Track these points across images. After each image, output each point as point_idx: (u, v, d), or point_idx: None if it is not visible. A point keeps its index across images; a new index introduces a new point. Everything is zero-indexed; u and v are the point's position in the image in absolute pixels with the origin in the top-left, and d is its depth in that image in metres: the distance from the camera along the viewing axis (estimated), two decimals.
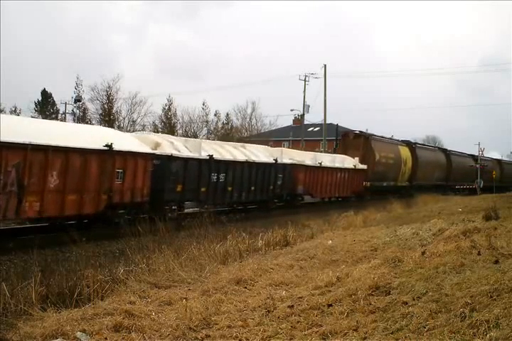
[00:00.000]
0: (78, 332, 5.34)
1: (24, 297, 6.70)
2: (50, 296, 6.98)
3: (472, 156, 56.40)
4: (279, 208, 25.09)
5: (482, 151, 59.23)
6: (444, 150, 50.43)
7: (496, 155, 74.32)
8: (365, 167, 33.21)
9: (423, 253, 8.58)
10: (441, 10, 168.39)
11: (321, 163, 27.57)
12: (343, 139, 37.44)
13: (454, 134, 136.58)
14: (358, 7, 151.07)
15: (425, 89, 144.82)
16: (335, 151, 37.16)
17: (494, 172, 57.59)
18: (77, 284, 7.31)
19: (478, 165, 53.00)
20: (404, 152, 40.71)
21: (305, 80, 50.57)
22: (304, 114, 51.34)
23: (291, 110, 54.05)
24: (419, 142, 59.79)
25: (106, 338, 5.25)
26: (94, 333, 5.37)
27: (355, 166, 32.01)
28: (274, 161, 23.38)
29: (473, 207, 20.97)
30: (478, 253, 8.17)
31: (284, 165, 24.38)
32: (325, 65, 49.65)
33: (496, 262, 7.43)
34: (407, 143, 42.51)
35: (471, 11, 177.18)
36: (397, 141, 42.27)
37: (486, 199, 25.55)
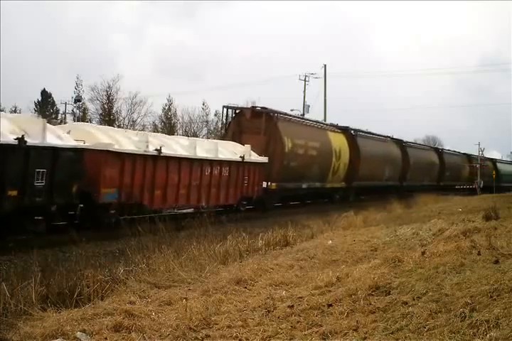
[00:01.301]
0: (78, 332, 5.34)
1: (24, 297, 6.70)
2: (50, 296, 6.98)
3: (436, 150, 49.63)
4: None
5: (482, 151, 58.93)
6: (400, 142, 40.26)
7: (496, 155, 73.39)
8: (264, 160, 21.96)
9: (423, 253, 8.58)
10: (441, 10, 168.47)
11: (160, 150, 16.03)
12: (237, 119, 24.75)
13: (454, 134, 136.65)
14: (358, 7, 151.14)
15: (425, 89, 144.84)
16: (225, 137, 24.68)
17: (494, 173, 57.60)
18: (77, 284, 7.31)
19: (477, 165, 53.06)
20: (338, 141, 30.22)
21: (305, 80, 50.58)
22: (304, 114, 51.25)
23: (291, 110, 53.85)
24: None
25: (106, 338, 5.26)
26: (94, 333, 5.37)
27: (243, 158, 20.06)
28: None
29: (473, 207, 20.96)
30: (478, 253, 8.17)
31: (56, 150, 12.71)
32: (325, 65, 49.62)
33: (496, 262, 7.43)
34: (344, 129, 31.84)
35: (471, 10, 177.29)
36: (327, 125, 31.63)
37: (486, 200, 25.55)
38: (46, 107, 63.22)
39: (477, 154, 59.05)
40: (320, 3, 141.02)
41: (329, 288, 6.86)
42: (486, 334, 4.55)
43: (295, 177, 25.03)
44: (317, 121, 31.15)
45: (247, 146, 21.30)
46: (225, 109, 25.16)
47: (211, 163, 18.75)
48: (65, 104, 56.99)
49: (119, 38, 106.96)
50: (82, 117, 55.95)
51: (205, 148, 18.89)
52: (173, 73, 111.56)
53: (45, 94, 63.59)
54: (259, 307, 6.13)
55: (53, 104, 63.99)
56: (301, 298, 6.41)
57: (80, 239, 11.32)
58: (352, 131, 32.61)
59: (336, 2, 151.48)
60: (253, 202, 22.12)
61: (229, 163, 19.76)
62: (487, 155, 64.31)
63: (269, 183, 22.65)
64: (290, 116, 27.37)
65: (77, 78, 58.80)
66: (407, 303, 5.71)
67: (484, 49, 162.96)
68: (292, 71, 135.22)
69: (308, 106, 50.47)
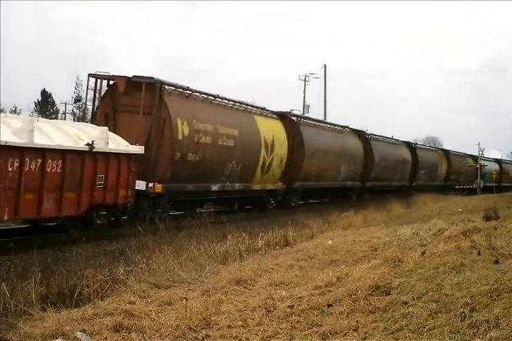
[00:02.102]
0: (78, 332, 5.34)
1: (24, 297, 6.70)
2: (50, 296, 6.98)
3: (409, 145, 41.44)
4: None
5: (482, 151, 58.02)
6: (362, 134, 33.19)
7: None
8: (137, 150, 15.00)
9: (423, 253, 8.58)
10: (441, 10, 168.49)
11: None
12: (110, 94, 17.30)
13: (454, 134, 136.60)
14: (358, 7, 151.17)
15: (425, 89, 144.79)
16: (94, 120, 17.39)
17: (494, 173, 57.31)
18: (77, 284, 7.31)
19: (477, 165, 52.02)
20: (271, 129, 22.59)
21: (305, 80, 50.48)
22: (303, 114, 51.27)
23: (292, 110, 53.89)
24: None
25: (106, 338, 5.26)
26: (94, 333, 5.37)
27: (91, 145, 13.10)
28: None
29: (473, 207, 20.95)
30: (478, 253, 8.17)
31: None
32: (325, 65, 49.49)
33: (496, 262, 7.44)
34: (281, 115, 24.27)
35: (471, 10, 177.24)
36: (255, 107, 22.70)
37: (486, 200, 25.54)
38: (46, 107, 63.15)
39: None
40: (320, 3, 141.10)
41: (329, 288, 6.85)
42: (486, 334, 4.55)
43: (198, 175, 17.85)
44: (237, 101, 21.51)
45: (103, 129, 14.27)
46: (92, 80, 17.34)
47: (22, 152, 11.29)
48: (65, 104, 56.96)
49: (118, 38, 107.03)
50: (82, 117, 55.93)
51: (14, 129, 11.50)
52: (172, 72, 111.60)
53: (45, 94, 63.52)
54: (259, 307, 6.13)
55: (53, 104, 63.91)
56: (301, 298, 6.41)
57: (80, 238, 11.34)
58: (294, 118, 25.08)
59: (336, 2, 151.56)
60: (120, 212, 14.84)
61: (62, 154, 12.39)
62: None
63: (151, 184, 15.83)
64: (189, 90, 18.30)
65: (77, 78, 58.73)
66: (407, 303, 5.71)
67: (485, 49, 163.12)
68: (292, 71, 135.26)
69: (309, 106, 50.43)
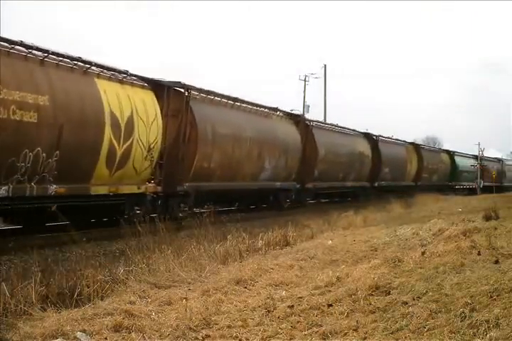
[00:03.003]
0: (78, 332, 5.34)
1: (24, 297, 6.69)
2: (50, 296, 6.97)
3: (368, 137, 33.62)
4: None
5: (482, 151, 57.06)
6: (300, 120, 25.95)
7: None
8: None
9: (423, 253, 8.58)
10: (441, 9, 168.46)
11: None
12: None
13: (454, 134, 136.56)
14: (358, 7, 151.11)
15: (425, 89, 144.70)
16: None
17: (494, 172, 56.54)
18: (77, 284, 7.30)
19: (478, 165, 51.00)
20: (127, 100, 14.20)
21: (305, 80, 50.39)
22: (304, 114, 51.30)
23: (291, 110, 53.84)
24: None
25: (106, 338, 5.25)
26: (94, 333, 5.37)
27: None
28: None
29: (473, 207, 20.96)
30: (478, 253, 8.17)
31: None
32: (325, 65, 49.38)
33: (496, 262, 7.44)
34: (155, 83, 15.88)
35: (471, 10, 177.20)
36: (94, 65, 13.60)
37: (486, 199, 25.55)
38: None
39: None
40: (320, 3, 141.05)
41: (329, 288, 6.85)
42: (486, 334, 4.56)
43: None
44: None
45: None
46: None
47: None
48: None
49: (117, 37, 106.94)
50: None
51: None
52: (172, 72, 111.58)
53: None
54: (259, 307, 6.13)
55: None
56: (301, 298, 6.41)
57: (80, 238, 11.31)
58: (186, 91, 17.19)
59: (336, 2, 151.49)
60: None
61: None
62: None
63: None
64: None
65: None
66: (407, 303, 5.72)
67: (485, 48, 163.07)
68: (292, 71, 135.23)
69: (308, 106, 50.36)
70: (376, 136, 34.35)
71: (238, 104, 20.68)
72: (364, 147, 32.37)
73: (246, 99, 21.17)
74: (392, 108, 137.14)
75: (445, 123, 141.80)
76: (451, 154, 48.74)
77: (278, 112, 24.28)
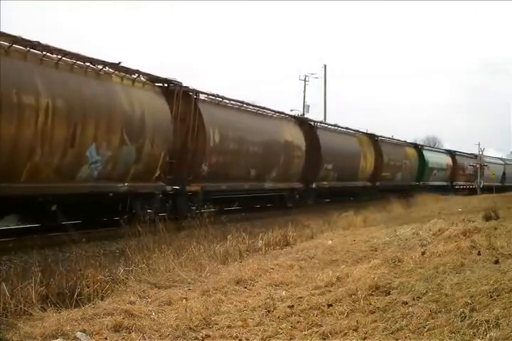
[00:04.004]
0: (78, 332, 5.34)
1: (24, 297, 6.69)
2: (50, 296, 6.97)
3: (304, 124, 25.73)
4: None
5: (482, 151, 55.61)
6: (187, 91, 17.31)
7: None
8: None
9: (423, 253, 8.59)
10: (441, 9, 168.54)
11: None
12: None
13: (454, 134, 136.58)
14: (358, 7, 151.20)
15: (425, 89, 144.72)
16: None
17: (494, 172, 55.50)
18: (77, 284, 7.29)
19: (478, 165, 48.25)
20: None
21: (305, 80, 50.41)
22: (303, 114, 51.32)
23: (291, 110, 53.63)
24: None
25: (106, 338, 5.25)
26: (94, 333, 5.37)
27: None
28: None
29: (473, 207, 20.95)
30: (478, 253, 8.17)
31: None
32: (325, 65, 49.31)
33: (496, 262, 7.44)
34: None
35: (471, 10, 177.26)
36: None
37: (486, 199, 25.54)
38: None
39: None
40: (321, 3, 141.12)
41: (329, 288, 6.85)
42: (486, 334, 4.56)
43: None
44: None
45: None
46: None
47: None
48: None
49: (115, 36, 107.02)
50: None
51: None
52: (171, 71, 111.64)
53: None
54: (259, 307, 6.13)
55: None
56: (301, 298, 6.41)
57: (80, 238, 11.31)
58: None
59: (336, 2, 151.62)
60: None
61: None
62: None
63: None
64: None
65: None
66: (407, 303, 5.72)
67: (485, 49, 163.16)
68: (293, 71, 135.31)
69: (308, 106, 50.36)
70: (314, 121, 26.80)
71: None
72: (294, 135, 23.72)
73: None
74: (392, 108, 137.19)
75: (445, 123, 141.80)
76: (418, 148, 40.43)
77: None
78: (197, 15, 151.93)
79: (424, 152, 40.26)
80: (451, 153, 46.70)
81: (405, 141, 38.98)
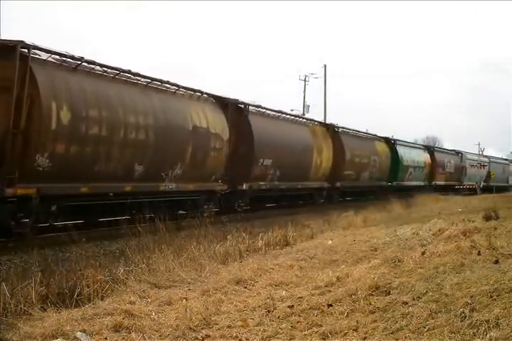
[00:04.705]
0: (78, 332, 5.34)
1: (24, 297, 6.69)
2: (50, 296, 6.97)
3: (224, 104, 19.16)
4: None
5: (482, 151, 54.56)
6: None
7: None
8: None
9: (423, 253, 8.58)
10: (441, 9, 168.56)
11: None
12: None
13: (454, 134, 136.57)
14: (358, 7, 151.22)
15: (425, 89, 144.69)
16: None
17: (493, 172, 54.83)
18: (77, 284, 7.30)
19: (477, 165, 47.94)
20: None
21: (305, 80, 50.38)
22: (304, 114, 51.33)
23: (291, 110, 53.49)
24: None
25: (106, 338, 5.26)
26: (94, 333, 5.37)
27: None
28: None
29: (473, 207, 20.95)
30: (478, 253, 8.17)
31: None
32: (325, 65, 49.18)
33: (496, 262, 7.44)
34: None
35: (471, 10, 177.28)
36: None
37: (486, 199, 25.54)
38: None
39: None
40: (321, 2, 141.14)
41: (329, 288, 6.86)
42: (486, 334, 4.56)
43: None
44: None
45: None
46: None
47: None
48: None
49: (113, 35, 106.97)
50: None
51: None
52: (171, 71, 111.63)
53: None
54: (259, 307, 6.13)
55: None
56: (301, 298, 6.41)
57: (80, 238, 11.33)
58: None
59: (336, 2, 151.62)
60: None
61: None
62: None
63: None
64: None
65: None
66: (407, 303, 5.72)
67: (485, 49, 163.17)
68: (293, 71, 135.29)
69: (308, 106, 50.33)
70: (245, 104, 20.32)
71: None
72: (212, 120, 17.69)
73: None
74: (392, 108, 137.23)
75: (445, 123, 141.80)
76: (391, 143, 34.60)
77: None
78: (197, 15, 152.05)
79: (398, 147, 34.93)
80: (430, 149, 42.26)
81: (375, 135, 33.24)
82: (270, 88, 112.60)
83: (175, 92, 16.57)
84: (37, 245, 11.02)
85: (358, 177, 29.71)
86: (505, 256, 7.91)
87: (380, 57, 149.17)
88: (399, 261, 8.20)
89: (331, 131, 27.46)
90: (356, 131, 30.94)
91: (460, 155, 47.43)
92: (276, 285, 7.27)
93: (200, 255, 9.69)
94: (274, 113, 22.70)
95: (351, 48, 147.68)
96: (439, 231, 11.07)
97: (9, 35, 11.29)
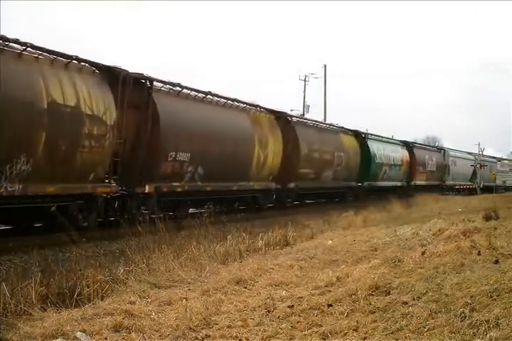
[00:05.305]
0: (78, 332, 5.34)
1: (24, 297, 6.69)
2: (50, 296, 6.97)
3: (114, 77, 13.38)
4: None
5: (482, 151, 54.20)
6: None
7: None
8: None
9: (423, 253, 8.58)
10: (441, 9, 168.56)
11: None
12: None
13: (454, 134, 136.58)
14: (358, 7, 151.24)
15: (425, 89, 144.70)
16: None
17: (493, 172, 54.46)
18: (77, 284, 7.30)
19: (477, 165, 46.13)
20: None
21: (305, 80, 50.39)
22: (304, 114, 51.32)
23: (291, 110, 53.20)
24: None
25: (106, 338, 5.26)
26: (94, 333, 5.37)
27: None
28: None
29: (473, 207, 20.95)
30: (478, 253, 8.17)
31: None
32: (325, 65, 49.19)
33: (496, 262, 7.44)
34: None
35: (471, 10, 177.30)
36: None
37: (486, 199, 25.54)
38: None
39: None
40: (321, 2, 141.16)
41: (329, 288, 6.85)
42: (486, 334, 4.56)
43: None
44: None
45: None
46: None
47: None
48: None
49: (113, 35, 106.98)
50: None
51: None
52: (171, 71, 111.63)
53: None
54: (259, 307, 6.13)
55: None
56: (301, 298, 6.41)
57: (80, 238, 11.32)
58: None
59: (336, 2, 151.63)
60: None
61: None
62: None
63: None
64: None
65: None
66: (407, 303, 5.71)
67: (485, 49, 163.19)
68: (293, 71, 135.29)
69: (308, 106, 50.33)
70: (150, 79, 15.08)
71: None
72: (87, 97, 12.54)
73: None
74: (392, 108, 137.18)
75: (445, 123, 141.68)
76: (361, 137, 29.87)
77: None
78: (197, 15, 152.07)
79: (370, 142, 30.14)
80: (408, 145, 36.66)
81: (342, 127, 28.66)
82: (270, 88, 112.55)
83: (20, 54, 11.11)
84: (37, 245, 11.02)
85: (318, 176, 24.96)
86: (505, 256, 7.91)
87: (379, 57, 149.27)
88: (399, 261, 8.20)
89: (283, 120, 22.50)
90: (316, 121, 26.90)
91: (443, 152, 43.27)
92: (276, 285, 7.27)
93: (200, 255, 9.69)
94: (197, 94, 17.06)
95: (351, 48, 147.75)
96: (439, 231, 11.07)
97: (9, 35, 11.19)
